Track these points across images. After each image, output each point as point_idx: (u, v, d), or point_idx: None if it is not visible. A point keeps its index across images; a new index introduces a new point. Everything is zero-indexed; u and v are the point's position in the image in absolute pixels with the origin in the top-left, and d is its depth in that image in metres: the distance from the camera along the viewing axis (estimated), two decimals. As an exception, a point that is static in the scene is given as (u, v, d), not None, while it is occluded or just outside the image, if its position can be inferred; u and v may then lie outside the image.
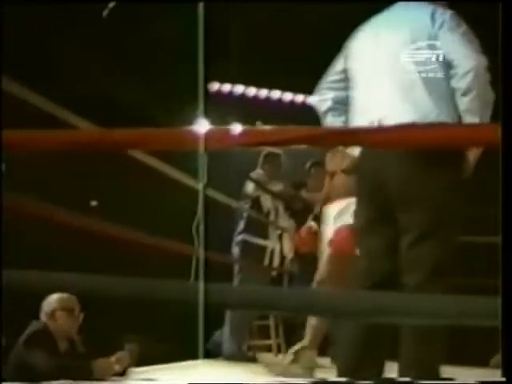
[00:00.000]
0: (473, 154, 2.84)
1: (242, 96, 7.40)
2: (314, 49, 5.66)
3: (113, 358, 4.06)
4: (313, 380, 2.79)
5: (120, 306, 1.72)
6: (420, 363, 2.71)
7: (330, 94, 3.06)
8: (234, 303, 1.81)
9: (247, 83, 7.37)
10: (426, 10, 2.87)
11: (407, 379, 2.63)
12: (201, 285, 1.66)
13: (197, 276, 4.59)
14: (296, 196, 6.28)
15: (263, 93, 7.45)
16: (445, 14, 2.84)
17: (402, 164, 2.77)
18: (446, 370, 2.81)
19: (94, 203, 6.00)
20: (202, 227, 4.36)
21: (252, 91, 7.43)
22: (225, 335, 5.78)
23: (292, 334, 6.46)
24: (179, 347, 5.68)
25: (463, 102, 2.78)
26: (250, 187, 5.99)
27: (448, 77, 2.80)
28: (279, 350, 6.49)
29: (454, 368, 4.39)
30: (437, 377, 2.72)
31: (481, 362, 5.97)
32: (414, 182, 2.79)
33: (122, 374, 4.09)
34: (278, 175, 6.14)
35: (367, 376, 2.78)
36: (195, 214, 4.49)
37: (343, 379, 2.76)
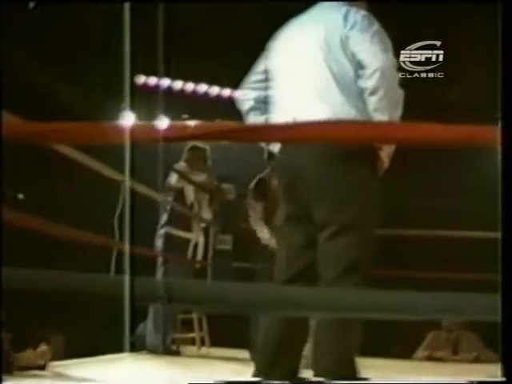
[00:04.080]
0: (386, 153, 2.93)
1: (169, 89, 7.37)
2: (242, 43, 5.69)
3: (34, 352, 4.04)
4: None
5: (45, 299, 1.72)
6: (333, 356, 2.75)
7: (252, 94, 3.11)
8: (160, 296, 1.83)
9: (174, 77, 7.35)
10: (340, 10, 2.93)
11: (321, 379, 2.69)
12: (127, 278, 1.67)
13: (117, 269, 4.56)
14: (219, 188, 6.32)
15: (190, 86, 7.43)
16: (357, 15, 2.91)
17: (316, 161, 2.84)
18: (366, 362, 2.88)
19: (20, 196, 5.91)
20: (126, 220, 4.33)
21: (178, 84, 7.41)
22: (148, 328, 5.77)
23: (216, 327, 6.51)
24: (105, 340, 5.65)
25: (371, 102, 2.85)
26: (173, 179, 5.97)
27: (358, 76, 2.88)
28: (203, 343, 6.52)
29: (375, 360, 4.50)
30: (352, 369, 2.77)
31: (401, 354, 6.13)
32: (327, 178, 2.86)
33: (44, 367, 4.08)
34: (202, 168, 6.15)
35: (283, 371, 2.82)
36: (117, 206, 4.45)
37: (257, 379, 2.79)
